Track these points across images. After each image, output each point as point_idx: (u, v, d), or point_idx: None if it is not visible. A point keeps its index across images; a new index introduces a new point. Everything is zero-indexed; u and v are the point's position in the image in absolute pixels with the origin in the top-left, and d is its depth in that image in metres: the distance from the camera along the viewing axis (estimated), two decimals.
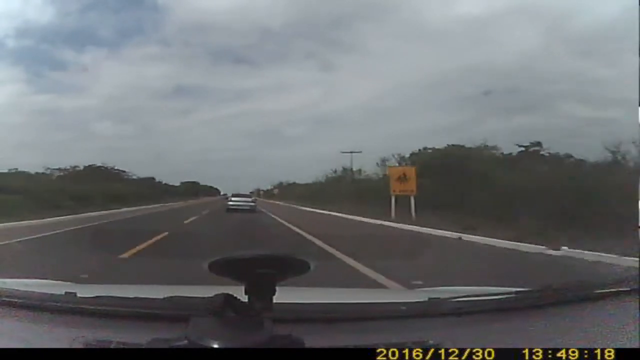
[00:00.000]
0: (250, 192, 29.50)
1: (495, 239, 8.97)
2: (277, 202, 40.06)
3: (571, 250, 7.33)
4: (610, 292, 1.15)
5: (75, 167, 34.49)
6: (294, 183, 46.89)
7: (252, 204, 23.10)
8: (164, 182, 46.02)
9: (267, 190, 56.67)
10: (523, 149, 19.68)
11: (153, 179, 42.90)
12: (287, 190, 45.74)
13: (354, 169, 32.74)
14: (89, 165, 34.81)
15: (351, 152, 32.66)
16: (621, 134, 14.56)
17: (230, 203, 22.59)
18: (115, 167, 36.24)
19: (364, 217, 16.10)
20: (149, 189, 36.32)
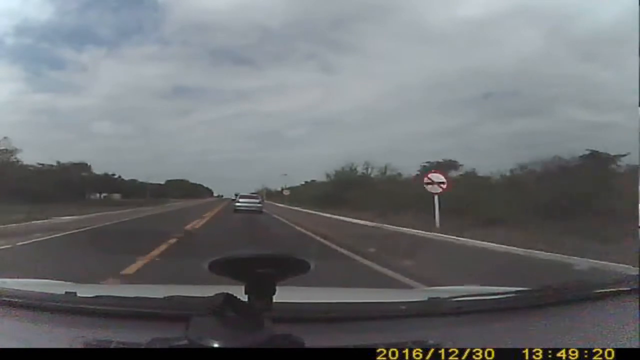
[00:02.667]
0: (252, 193, 28.94)
1: None
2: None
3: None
4: (610, 292, 1.15)
5: None
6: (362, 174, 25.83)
7: (259, 205, 23.71)
8: (123, 177, 29.91)
9: (282, 189, 39.15)
10: None
11: (86, 164, 24.34)
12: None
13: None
14: None
15: None
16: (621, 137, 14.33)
17: (238, 204, 23.17)
18: None
19: None
20: (67, 186, 19.65)
